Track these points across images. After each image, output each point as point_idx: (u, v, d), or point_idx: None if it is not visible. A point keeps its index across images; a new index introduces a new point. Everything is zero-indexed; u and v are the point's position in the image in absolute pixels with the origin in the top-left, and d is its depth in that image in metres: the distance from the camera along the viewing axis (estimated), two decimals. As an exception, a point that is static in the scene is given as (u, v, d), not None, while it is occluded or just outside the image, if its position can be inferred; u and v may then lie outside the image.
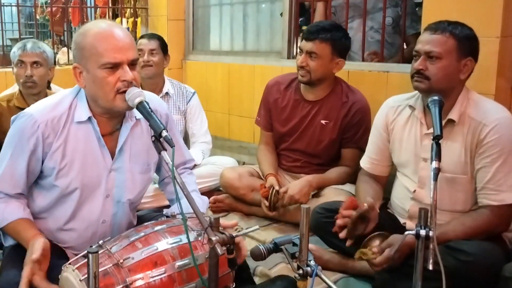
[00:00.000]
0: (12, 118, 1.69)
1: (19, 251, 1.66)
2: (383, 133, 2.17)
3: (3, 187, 1.68)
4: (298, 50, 2.75)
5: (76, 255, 1.57)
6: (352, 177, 2.73)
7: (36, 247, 1.53)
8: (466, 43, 1.91)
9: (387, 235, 1.87)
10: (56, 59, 4.15)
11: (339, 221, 1.91)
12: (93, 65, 1.58)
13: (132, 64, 1.61)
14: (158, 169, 1.94)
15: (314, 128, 2.76)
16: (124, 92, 1.58)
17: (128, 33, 1.66)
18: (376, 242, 1.85)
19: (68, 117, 1.66)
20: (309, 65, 2.64)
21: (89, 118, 1.66)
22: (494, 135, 1.86)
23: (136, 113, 1.73)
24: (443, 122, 1.92)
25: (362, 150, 2.69)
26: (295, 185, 2.62)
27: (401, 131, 2.09)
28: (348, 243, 1.92)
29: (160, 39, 3.26)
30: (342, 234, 1.91)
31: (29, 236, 1.60)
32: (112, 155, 1.72)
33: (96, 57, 1.57)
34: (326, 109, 2.74)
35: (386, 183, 2.26)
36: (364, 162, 2.27)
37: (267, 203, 2.62)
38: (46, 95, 2.64)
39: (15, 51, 2.66)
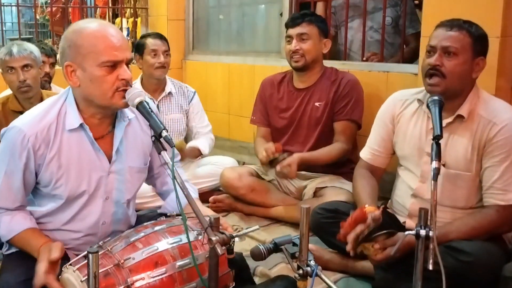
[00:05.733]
0: (2, 131, 1.66)
1: (18, 254, 1.67)
2: (388, 124, 2.16)
3: (3, 203, 1.67)
4: (286, 39, 2.83)
5: (77, 255, 1.57)
6: (347, 154, 2.74)
7: (56, 249, 1.53)
8: (480, 42, 1.91)
9: (394, 233, 1.86)
10: (57, 59, 4.14)
11: (349, 237, 1.84)
12: (91, 63, 1.55)
13: (127, 63, 1.60)
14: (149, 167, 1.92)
15: (310, 112, 2.81)
16: (123, 90, 1.57)
17: (122, 33, 1.66)
18: (380, 239, 1.84)
19: (58, 125, 1.62)
20: (302, 48, 2.75)
21: (81, 125, 1.64)
22: (504, 135, 1.86)
23: (129, 113, 1.72)
24: (452, 118, 1.94)
25: (354, 123, 2.73)
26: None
27: (407, 123, 2.09)
28: (352, 253, 1.90)
29: (167, 40, 3.25)
30: (349, 248, 1.85)
31: (40, 243, 1.59)
32: (108, 157, 1.70)
33: (95, 55, 1.54)
34: (318, 92, 2.81)
35: (382, 176, 2.25)
36: (364, 153, 2.26)
37: (269, 153, 2.63)
38: (41, 96, 2.60)
39: (1, 58, 2.57)
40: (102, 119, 1.68)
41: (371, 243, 1.83)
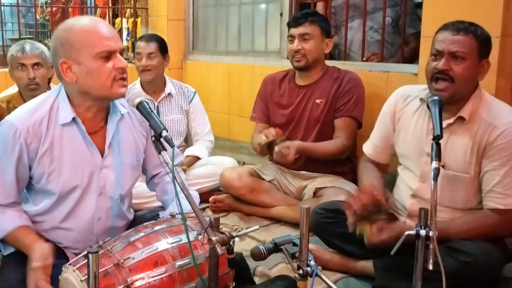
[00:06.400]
0: None
1: (18, 253, 1.66)
2: (389, 121, 2.16)
3: None
4: (289, 39, 2.84)
5: (76, 254, 1.59)
6: (347, 151, 2.74)
7: (35, 255, 1.53)
8: (485, 44, 1.91)
9: (394, 218, 1.88)
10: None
11: (355, 206, 1.87)
12: (87, 57, 1.58)
13: (120, 53, 1.64)
14: (143, 169, 1.93)
15: (311, 109, 2.82)
16: (121, 79, 1.61)
17: (111, 25, 1.68)
18: (381, 223, 1.86)
19: (50, 120, 1.65)
20: (304, 47, 2.76)
21: (73, 119, 1.65)
22: (505, 138, 1.85)
23: (121, 108, 1.74)
24: (453, 119, 1.93)
25: (355, 120, 2.74)
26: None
27: (408, 122, 2.09)
28: (350, 228, 1.90)
29: (159, 40, 3.21)
30: (350, 220, 1.88)
31: (29, 243, 1.60)
32: (101, 152, 1.71)
33: (90, 48, 1.57)
34: (319, 89, 2.82)
35: (387, 169, 2.28)
36: (367, 148, 2.28)
37: (265, 140, 2.62)
38: None
39: (13, 54, 2.62)
40: (97, 113, 1.70)
41: (370, 224, 1.84)
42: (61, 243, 1.75)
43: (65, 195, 1.69)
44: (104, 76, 1.59)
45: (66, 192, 1.68)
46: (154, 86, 3.22)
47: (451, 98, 1.89)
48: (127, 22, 4.83)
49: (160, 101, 3.23)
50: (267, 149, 2.66)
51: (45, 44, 3.05)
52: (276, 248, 1.41)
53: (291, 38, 2.81)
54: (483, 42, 1.89)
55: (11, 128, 1.61)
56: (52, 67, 3.09)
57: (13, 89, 2.87)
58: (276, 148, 2.59)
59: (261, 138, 2.66)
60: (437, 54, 1.92)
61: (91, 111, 1.68)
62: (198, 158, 3.21)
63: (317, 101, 2.80)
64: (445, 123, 1.92)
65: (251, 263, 1.80)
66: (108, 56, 1.59)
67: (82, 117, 1.67)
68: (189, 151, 3.23)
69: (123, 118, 1.75)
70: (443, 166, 1.92)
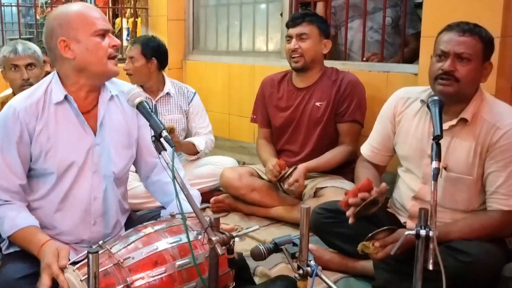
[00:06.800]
0: None
1: (18, 252, 1.68)
2: (388, 124, 2.16)
3: (4, 183, 1.70)
4: (286, 39, 2.86)
5: (74, 244, 1.66)
6: (353, 155, 2.75)
7: (63, 255, 1.52)
8: (489, 47, 1.91)
9: (394, 229, 1.85)
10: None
11: (351, 200, 1.85)
12: (85, 34, 1.69)
13: (112, 33, 1.78)
14: (136, 164, 1.94)
15: (311, 112, 2.82)
16: (114, 58, 1.73)
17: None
18: (381, 236, 1.84)
19: (45, 101, 1.73)
20: (301, 47, 2.77)
21: (66, 97, 1.73)
22: (508, 139, 1.85)
23: (111, 89, 1.82)
24: (456, 121, 1.93)
25: (357, 123, 2.75)
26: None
27: (409, 124, 2.08)
28: (351, 220, 1.88)
29: (144, 43, 3.13)
30: (349, 213, 1.87)
31: (43, 240, 1.60)
32: (94, 131, 1.77)
33: (88, 26, 1.69)
34: (319, 91, 2.82)
35: (384, 170, 2.29)
36: (364, 149, 2.27)
37: (276, 172, 2.68)
38: None
39: (5, 55, 2.60)
40: (89, 93, 1.77)
41: (371, 241, 1.83)
42: (59, 228, 1.76)
43: (63, 173, 1.73)
44: (101, 52, 1.70)
45: (63, 169, 1.73)
46: (150, 87, 3.21)
47: (454, 95, 1.89)
48: (127, 22, 4.84)
49: (158, 100, 3.21)
50: (278, 181, 2.74)
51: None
52: (276, 248, 1.41)
53: (289, 38, 2.82)
54: (487, 44, 1.89)
55: (10, 110, 1.71)
56: (50, 63, 3.10)
57: (9, 90, 2.86)
58: (286, 186, 2.66)
59: (269, 175, 2.74)
60: (442, 55, 1.91)
61: (83, 90, 1.76)
62: (194, 147, 3.18)
63: (317, 103, 2.80)
64: (447, 125, 1.92)
65: (251, 263, 1.80)
66: (103, 34, 1.71)
67: (74, 96, 1.75)
68: (187, 139, 3.22)
69: (113, 99, 1.83)
70: (445, 168, 1.92)
